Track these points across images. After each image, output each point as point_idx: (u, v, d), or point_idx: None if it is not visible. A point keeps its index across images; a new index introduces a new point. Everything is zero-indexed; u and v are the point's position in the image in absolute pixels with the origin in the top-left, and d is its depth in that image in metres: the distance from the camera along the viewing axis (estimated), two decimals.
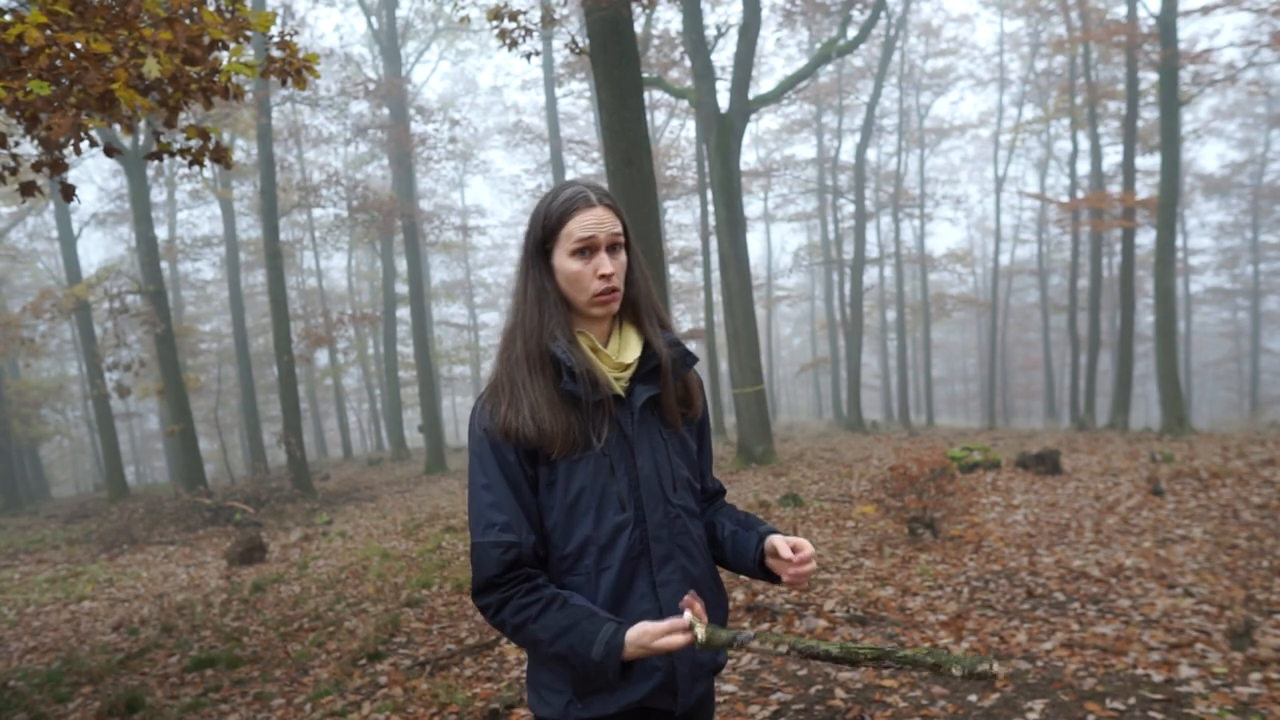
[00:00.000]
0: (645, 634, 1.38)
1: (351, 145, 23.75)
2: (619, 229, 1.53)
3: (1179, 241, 27.40)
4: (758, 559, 1.59)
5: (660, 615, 1.49)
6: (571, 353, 1.49)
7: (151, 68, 3.58)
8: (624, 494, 1.50)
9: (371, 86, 19.87)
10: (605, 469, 1.49)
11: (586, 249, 1.49)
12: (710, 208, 18.46)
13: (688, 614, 1.37)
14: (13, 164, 4.91)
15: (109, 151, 4.83)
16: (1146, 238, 20.88)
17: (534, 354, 1.51)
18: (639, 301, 1.58)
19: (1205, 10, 14.31)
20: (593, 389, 1.49)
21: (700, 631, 1.36)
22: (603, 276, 1.49)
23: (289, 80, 4.85)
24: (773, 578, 1.60)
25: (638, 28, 14.34)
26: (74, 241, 20.92)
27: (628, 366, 1.55)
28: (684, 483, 1.59)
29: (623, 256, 1.54)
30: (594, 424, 1.49)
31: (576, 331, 1.54)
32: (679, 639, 1.36)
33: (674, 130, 26.16)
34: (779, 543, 1.52)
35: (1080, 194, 22.56)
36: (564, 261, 1.50)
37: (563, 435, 1.47)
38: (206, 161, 4.90)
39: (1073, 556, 5.80)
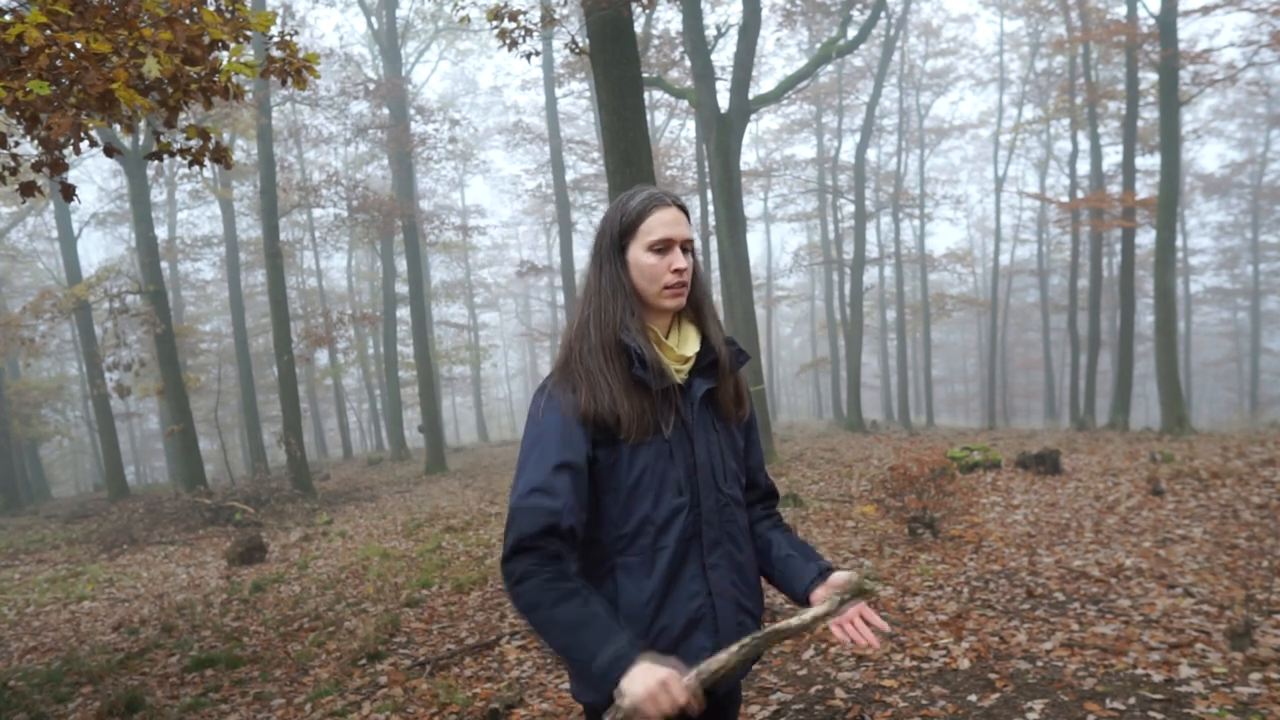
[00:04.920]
0: (649, 675, 1.32)
1: (351, 145, 23.73)
2: (691, 233, 1.64)
3: (1179, 241, 27.41)
4: (806, 592, 1.65)
5: (709, 596, 1.59)
6: (644, 344, 1.58)
7: (151, 68, 3.57)
8: (681, 479, 1.59)
9: (371, 86, 19.85)
10: (665, 454, 1.58)
11: (663, 245, 1.60)
12: (710, 208, 18.46)
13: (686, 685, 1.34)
14: (13, 164, 4.90)
15: (109, 151, 4.83)
16: (1146, 238, 20.89)
17: (609, 343, 1.59)
18: (702, 301, 1.69)
19: (1205, 10, 14.30)
20: (660, 378, 1.58)
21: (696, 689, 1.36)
22: (676, 270, 1.60)
23: (289, 80, 4.85)
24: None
25: (638, 28, 14.35)
26: (74, 241, 20.90)
27: (688, 360, 1.65)
28: (732, 474, 1.68)
29: (690, 257, 1.65)
30: (662, 411, 1.58)
31: (645, 324, 1.64)
32: (668, 703, 1.32)
33: (674, 130, 26.18)
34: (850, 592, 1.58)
35: (1080, 194, 22.55)
36: (640, 255, 1.61)
37: (638, 420, 1.55)
38: (206, 161, 4.90)
39: (1073, 556, 5.80)
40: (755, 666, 4.10)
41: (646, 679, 1.31)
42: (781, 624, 1.40)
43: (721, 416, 1.67)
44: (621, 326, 1.60)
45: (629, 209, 1.63)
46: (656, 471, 1.56)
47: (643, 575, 1.56)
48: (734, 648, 1.38)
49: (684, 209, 1.65)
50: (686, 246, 1.63)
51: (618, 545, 1.57)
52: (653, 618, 1.55)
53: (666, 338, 1.66)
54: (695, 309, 1.68)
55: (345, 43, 23.08)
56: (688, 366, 1.64)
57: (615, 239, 1.63)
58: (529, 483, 1.49)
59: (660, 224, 1.60)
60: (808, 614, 1.42)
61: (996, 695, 3.50)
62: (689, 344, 1.66)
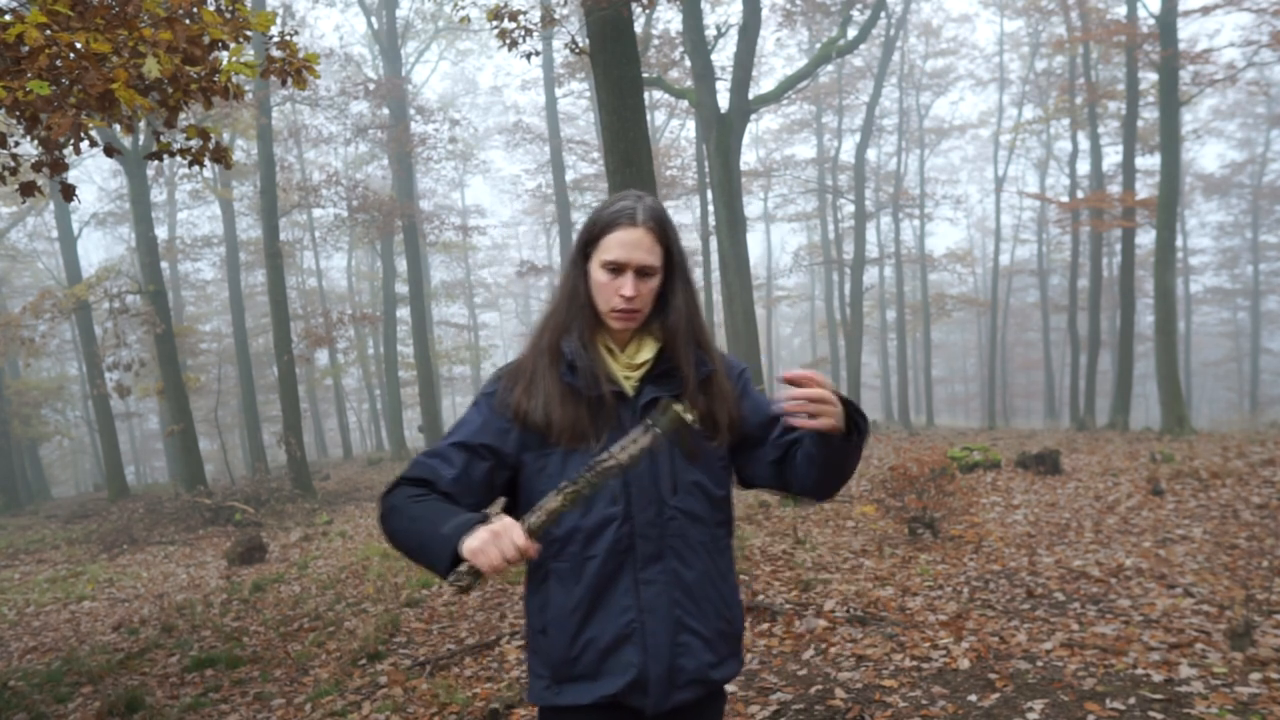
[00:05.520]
0: (494, 527, 1.34)
1: (351, 145, 23.74)
2: (654, 258, 1.54)
3: (1179, 241, 27.38)
4: (803, 441, 1.55)
5: (640, 612, 1.52)
6: (578, 349, 1.54)
7: (151, 68, 3.57)
8: (616, 488, 1.52)
9: (371, 86, 19.86)
10: None
11: (615, 267, 1.53)
12: (710, 208, 18.45)
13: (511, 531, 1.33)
14: (13, 164, 4.91)
15: (109, 151, 4.83)
16: (1146, 238, 20.87)
17: (554, 347, 1.57)
18: (677, 328, 1.58)
19: (1205, 10, 14.30)
20: (592, 384, 1.52)
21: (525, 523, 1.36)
22: (623, 297, 1.53)
23: (289, 80, 4.85)
24: (837, 447, 1.50)
25: (638, 28, 14.33)
26: (74, 241, 20.90)
27: (639, 366, 1.59)
28: (689, 486, 1.57)
29: (653, 281, 1.56)
30: (598, 420, 1.53)
31: (596, 333, 1.58)
32: (507, 547, 1.32)
33: (674, 130, 26.17)
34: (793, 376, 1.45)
35: (1080, 194, 22.55)
36: (595, 270, 1.56)
37: (570, 428, 1.51)
38: (206, 161, 4.90)
39: (1073, 556, 5.80)
40: (755, 666, 4.10)
41: (482, 530, 1.35)
42: (603, 464, 1.33)
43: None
44: (565, 331, 1.57)
45: (599, 218, 1.56)
46: None
47: (572, 582, 1.52)
48: (560, 491, 1.34)
49: (657, 229, 1.54)
50: (647, 272, 1.54)
51: (551, 549, 1.53)
52: (579, 627, 1.51)
53: (624, 348, 1.60)
54: (669, 335, 1.58)
55: (345, 43, 23.11)
56: (639, 373, 1.58)
57: (582, 245, 1.58)
58: (433, 448, 1.59)
59: (617, 244, 1.52)
60: (624, 451, 1.32)
61: (996, 695, 3.50)
62: (644, 352, 1.60)
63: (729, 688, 3.87)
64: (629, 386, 1.57)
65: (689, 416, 1.29)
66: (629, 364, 1.59)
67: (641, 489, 1.53)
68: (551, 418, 1.52)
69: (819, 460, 1.54)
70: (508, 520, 1.36)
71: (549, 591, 1.55)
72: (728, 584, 1.63)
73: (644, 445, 1.31)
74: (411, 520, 1.47)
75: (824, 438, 1.50)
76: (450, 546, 1.37)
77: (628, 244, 1.52)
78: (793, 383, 1.45)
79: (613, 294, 1.53)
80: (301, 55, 4.81)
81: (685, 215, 29.87)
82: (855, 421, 1.50)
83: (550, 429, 1.52)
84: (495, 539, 1.33)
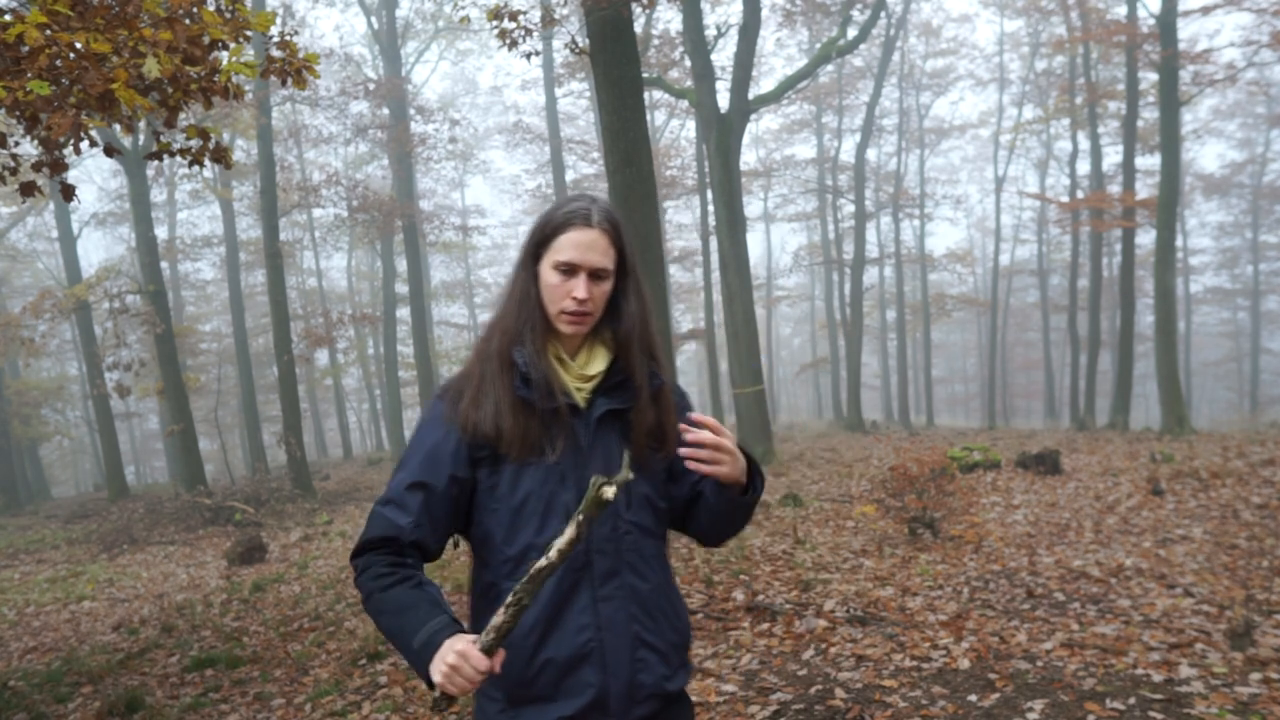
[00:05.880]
0: (447, 653, 1.31)
1: (351, 145, 23.74)
2: (608, 261, 1.51)
3: (1179, 241, 27.36)
4: (704, 486, 1.53)
5: (599, 630, 1.48)
6: (532, 359, 1.49)
7: (151, 68, 3.57)
8: (571, 504, 1.48)
9: (371, 86, 19.86)
10: (555, 477, 1.48)
11: (568, 268, 1.49)
12: (710, 208, 18.46)
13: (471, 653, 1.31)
14: (13, 164, 4.91)
15: (109, 151, 4.83)
16: (1146, 238, 20.87)
17: (504, 354, 1.51)
18: (630, 335, 1.54)
19: (1205, 10, 14.31)
20: (547, 397, 1.48)
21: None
22: (575, 299, 1.48)
23: (289, 80, 4.85)
24: (731, 500, 1.51)
25: (638, 28, 14.33)
26: (74, 241, 20.91)
27: (591, 378, 1.54)
28: (640, 499, 1.54)
29: (606, 285, 1.52)
30: (550, 433, 1.48)
31: (548, 341, 1.54)
32: (470, 674, 1.30)
33: (674, 130, 26.16)
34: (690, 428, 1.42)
35: (1080, 194, 22.55)
36: (547, 271, 1.51)
37: (520, 439, 1.46)
38: (206, 161, 4.90)
39: (1073, 556, 5.80)
40: (755, 666, 4.10)
41: (445, 655, 1.31)
42: (535, 566, 1.31)
43: (632, 440, 1.53)
44: (517, 339, 1.51)
45: (552, 218, 1.52)
46: (543, 495, 1.48)
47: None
48: (504, 606, 1.31)
49: (611, 232, 1.51)
50: (600, 274, 1.50)
51: (503, 569, 1.49)
52: (536, 648, 1.46)
53: (575, 356, 1.56)
54: (622, 342, 1.54)
55: (345, 43, 23.12)
56: (590, 385, 1.54)
57: (533, 246, 1.54)
58: (387, 493, 1.52)
59: (570, 244, 1.48)
60: (552, 548, 1.30)
61: (996, 695, 3.50)
62: (596, 363, 1.55)
63: (729, 687, 3.87)
64: (580, 399, 1.52)
65: (610, 492, 1.27)
66: (580, 375, 1.54)
67: None
68: (501, 427, 1.47)
69: (715, 509, 1.55)
70: (460, 647, 1.31)
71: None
72: (676, 595, 1.61)
73: (571, 538, 1.29)
74: (380, 614, 1.46)
75: (722, 489, 1.50)
76: (424, 666, 1.36)
77: (581, 245, 1.48)
78: (695, 426, 1.43)
79: (564, 296, 1.49)
80: (301, 55, 4.81)
81: (685, 215, 29.90)
82: (753, 478, 1.51)
83: (500, 439, 1.47)
84: (458, 667, 1.30)
